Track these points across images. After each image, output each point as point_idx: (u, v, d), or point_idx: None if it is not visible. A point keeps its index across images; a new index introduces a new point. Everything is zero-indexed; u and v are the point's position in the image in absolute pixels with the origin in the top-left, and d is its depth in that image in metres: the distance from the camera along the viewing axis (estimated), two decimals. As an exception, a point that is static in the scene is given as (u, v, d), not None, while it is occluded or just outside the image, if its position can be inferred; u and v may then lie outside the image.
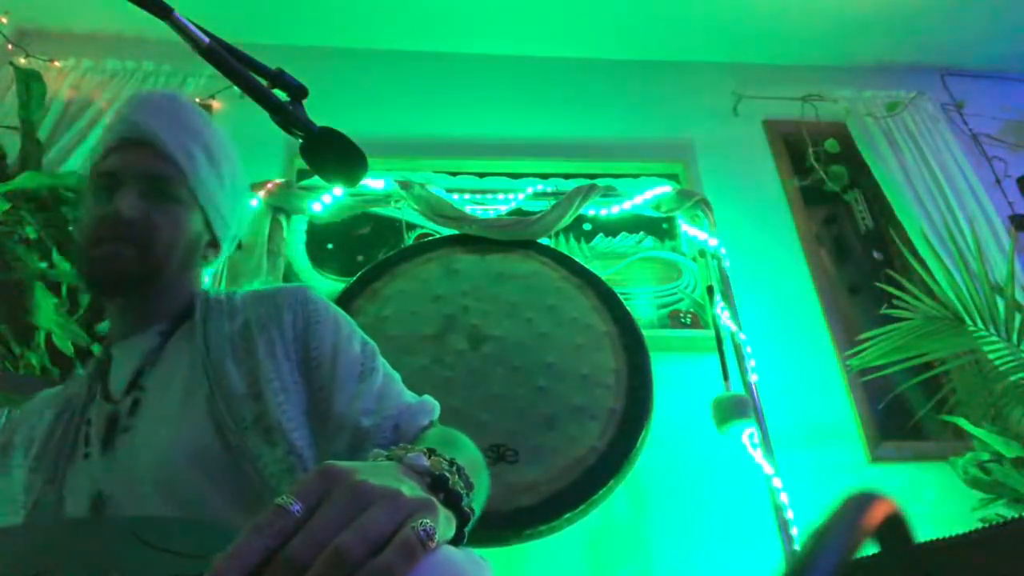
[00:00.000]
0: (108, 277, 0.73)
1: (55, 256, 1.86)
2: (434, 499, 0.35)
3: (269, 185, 2.07)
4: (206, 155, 0.79)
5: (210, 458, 0.65)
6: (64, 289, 1.89)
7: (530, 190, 2.28)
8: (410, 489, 0.34)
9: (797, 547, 1.45)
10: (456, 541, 0.38)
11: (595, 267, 2.12)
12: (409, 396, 0.74)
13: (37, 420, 0.77)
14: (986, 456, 1.77)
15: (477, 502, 0.47)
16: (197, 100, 2.45)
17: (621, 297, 2.00)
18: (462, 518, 0.39)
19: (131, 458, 0.67)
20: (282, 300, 0.78)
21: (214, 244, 0.85)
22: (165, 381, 0.73)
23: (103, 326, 1.96)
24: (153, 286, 0.76)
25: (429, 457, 0.40)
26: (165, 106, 0.79)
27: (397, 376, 0.77)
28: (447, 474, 0.39)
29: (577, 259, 2.10)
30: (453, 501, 0.38)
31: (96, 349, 1.83)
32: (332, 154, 0.72)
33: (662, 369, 1.87)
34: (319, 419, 0.70)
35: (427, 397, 0.75)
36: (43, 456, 0.73)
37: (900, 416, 2.16)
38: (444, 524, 0.35)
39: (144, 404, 0.71)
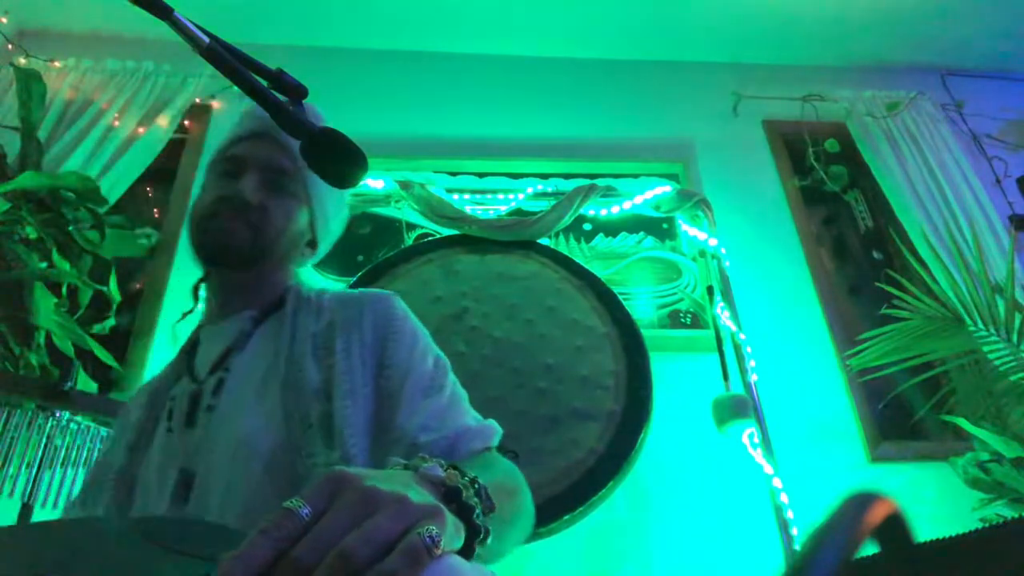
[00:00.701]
0: (219, 248, 0.78)
1: (55, 256, 1.86)
2: (442, 506, 0.35)
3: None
4: None
5: (272, 448, 0.66)
6: (64, 289, 1.89)
7: (530, 190, 2.28)
8: (418, 495, 0.34)
9: (797, 547, 1.45)
10: (466, 555, 0.38)
11: (595, 267, 2.12)
12: (471, 418, 0.73)
13: (135, 407, 0.82)
14: (986, 456, 1.77)
15: (501, 528, 0.46)
16: (197, 100, 2.46)
17: (621, 297, 2.00)
18: (474, 532, 0.38)
19: (212, 436, 0.70)
20: (366, 305, 0.79)
21: (312, 244, 0.89)
22: (249, 366, 0.75)
23: (103, 326, 1.96)
24: (255, 268, 0.81)
25: (446, 470, 0.40)
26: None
27: (464, 396, 0.77)
28: (460, 486, 0.39)
29: (577, 259, 2.10)
30: (465, 514, 0.38)
31: (97, 350, 1.83)
32: (332, 154, 0.72)
33: (662, 369, 1.87)
34: (380, 428, 0.70)
35: (490, 422, 0.74)
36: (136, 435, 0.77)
37: (900, 416, 2.16)
38: (452, 533, 0.35)
39: (227, 385, 0.73)
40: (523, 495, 0.63)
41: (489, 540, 0.40)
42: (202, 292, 0.89)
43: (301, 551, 0.29)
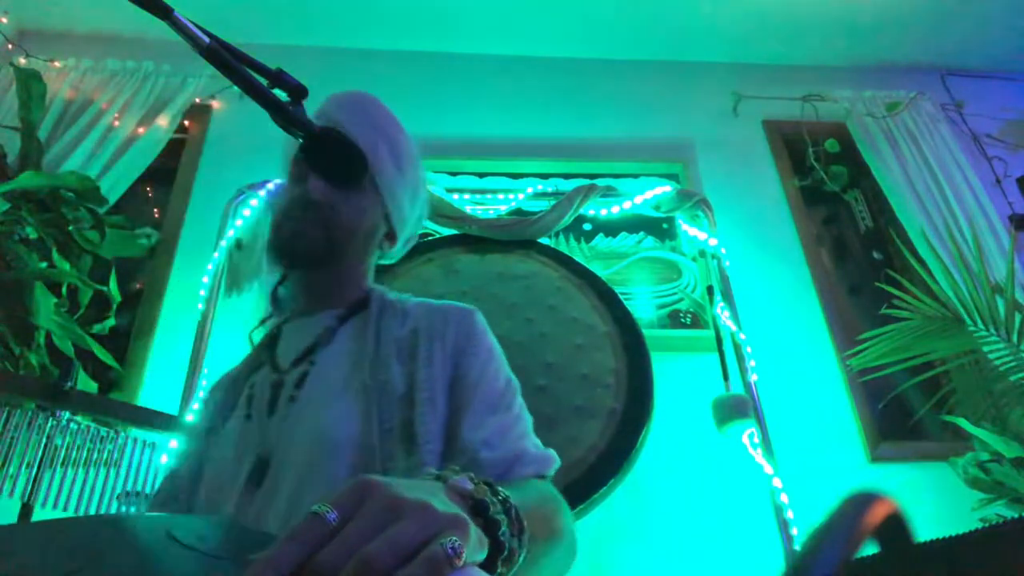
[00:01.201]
0: (293, 250, 0.80)
1: (55, 256, 1.86)
2: (466, 517, 0.35)
3: (269, 185, 2.07)
4: (390, 151, 0.84)
5: (350, 444, 0.68)
6: (64, 289, 1.89)
7: (530, 190, 2.28)
8: (443, 505, 0.35)
9: (797, 547, 1.45)
10: (489, 570, 0.38)
11: (595, 267, 2.12)
12: (531, 443, 0.74)
13: (215, 395, 0.86)
14: (986, 456, 1.77)
15: (533, 551, 0.45)
16: (197, 100, 2.46)
17: (621, 297, 1.99)
18: (498, 548, 0.38)
19: (292, 425, 0.71)
20: (451, 317, 0.81)
21: (391, 237, 0.90)
22: (334, 361, 0.76)
23: (103, 326, 1.96)
24: (334, 266, 0.83)
25: (475, 484, 0.40)
26: (356, 101, 0.87)
27: (529, 421, 0.78)
28: (488, 501, 0.39)
29: (577, 259, 2.09)
30: (490, 529, 0.38)
31: (97, 350, 1.83)
32: (332, 154, 0.72)
33: (662, 369, 1.87)
34: (448, 439, 0.71)
35: (550, 451, 0.74)
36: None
37: (900, 416, 2.16)
38: (475, 546, 0.35)
39: (310, 378, 0.75)
40: (563, 525, 0.61)
41: (518, 560, 0.40)
42: (282, 290, 0.90)
43: (326, 556, 0.30)
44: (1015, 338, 1.77)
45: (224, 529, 0.41)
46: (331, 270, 0.84)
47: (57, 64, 2.45)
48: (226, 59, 0.59)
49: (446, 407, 0.73)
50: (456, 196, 2.18)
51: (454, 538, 0.31)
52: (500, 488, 0.42)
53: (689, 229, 2.19)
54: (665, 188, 2.23)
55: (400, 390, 0.72)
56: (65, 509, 1.24)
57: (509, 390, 0.78)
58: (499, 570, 0.38)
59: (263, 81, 0.64)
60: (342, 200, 0.81)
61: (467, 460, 0.67)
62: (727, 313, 1.93)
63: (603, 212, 2.26)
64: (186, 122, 2.45)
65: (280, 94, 0.65)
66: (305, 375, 0.75)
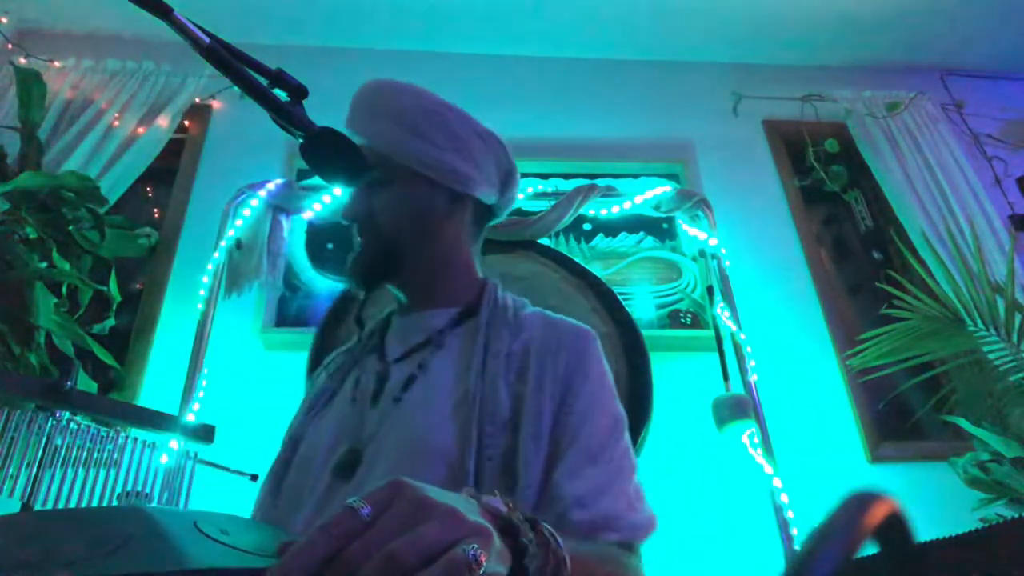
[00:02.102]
0: (353, 277, 0.79)
1: (55, 256, 1.86)
2: (491, 528, 0.35)
3: (269, 185, 2.07)
4: (402, 127, 0.79)
5: (443, 464, 0.64)
6: (64, 289, 1.89)
7: (530, 190, 2.27)
8: (471, 514, 0.35)
9: (797, 547, 1.45)
10: None
11: (595, 267, 2.12)
12: (626, 502, 0.65)
13: (324, 373, 0.85)
14: (986, 456, 1.77)
15: None
16: (197, 100, 2.46)
17: (621, 297, 1.99)
18: (522, 573, 0.38)
19: (390, 425, 0.69)
20: (565, 337, 0.75)
21: (460, 200, 0.83)
22: (442, 370, 0.73)
23: (103, 326, 1.96)
24: (405, 266, 0.80)
25: (510, 508, 0.40)
26: (364, 98, 0.84)
27: (632, 467, 0.70)
28: (517, 524, 0.38)
29: (577, 259, 2.09)
30: (516, 552, 0.37)
31: (97, 350, 1.83)
32: (332, 154, 0.72)
33: (662, 369, 1.86)
34: (543, 478, 0.65)
35: (646, 516, 0.65)
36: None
37: (900, 416, 2.16)
38: (495, 558, 0.35)
39: (418, 384, 0.72)
40: None
41: None
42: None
43: (354, 550, 0.31)
44: (1015, 338, 1.77)
45: (248, 526, 0.43)
46: (417, 269, 0.81)
47: (57, 64, 2.45)
48: (226, 59, 0.59)
49: (548, 443, 0.66)
50: (456, 196, 2.18)
51: (476, 546, 0.32)
52: (548, 527, 0.41)
53: (689, 229, 2.19)
54: (665, 188, 2.23)
55: (504, 415, 0.67)
56: (65, 509, 1.24)
57: (616, 431, 0.70)
58: None
59: (263, 81, 0.64)
60: (377, 202, 0.79)
61: (556, 516, 0.61)
62: (727, 313, 1.93)
63: (603, 212, 2.26)
64: (186, 122, 2.45)
65: (280, 94, 0.65)
66: (413, 379, 0.72)
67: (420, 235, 0.81)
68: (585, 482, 0.63)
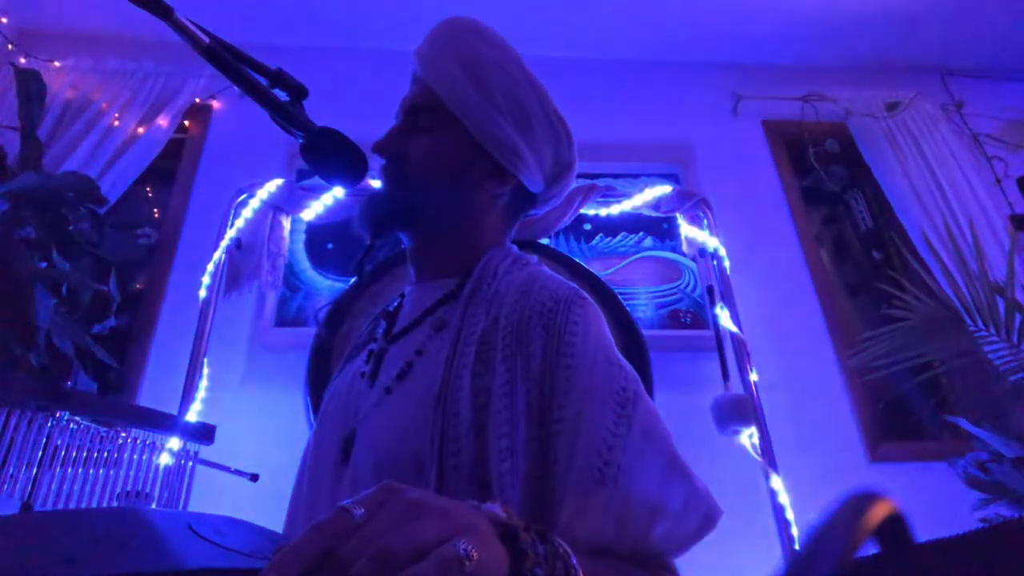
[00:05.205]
0: (363, 220, 0.74)
1: (55, 256, 1.86)
2: (486, 527, 0.35)
3: (269, 185, 2.07)
4: (469, 75, 0.71)
5: (411, 472, 0.55)
6: (64, 289, 1.89)
7: (530, 190, 2.28)
8: (463, 512, 0.35)
9: (797, 547, 1.45)
10: None
11: (595, 267, 2.12)
12: (661, 515, 0.54)
13: (345, 355, 0.82)
14: (986, 456, 1.77)
15: None
16: (197, 100, 2.46)
17: (621, 297, 1.99)
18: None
19: (378, 421, 0.62)
20: (538, 314, 0.59)
21: (501, 175, 0.73)
22: (436, 354, 0.62)
23: (103, 326, 1.96)
24: (421, 227, 0.74)
25: (509, 515, 0.38)
26: (441, 33, 0.77)
27: (661, 436, 0.56)
28: (519, 530, 0.37)
29: (577, 259, 2.10)
30: (515, 559, 0.36)
31: (97, 351, 1.83)
32: (332, 154, 0.72)
33: (662, 369, 1.87)
34: (537, 499, 0.52)
35: (693, 521, 0.57)
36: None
37: (900, 416, 2.16)
38: (490, 556, 0.34)
39: (413, 373, 0.63)
40: None
41: None
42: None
43: (346, 548, 0.31)
44: (1015, 338, 1.77)
45: (244, 529, 0.43)
46: (434, 235, 0.73)
47: (57, 64, 2.45)
48: (226, 59, 0.59)
49: (533, 464, 0.53)
50: (456, 196, 2.18)
51: (468, 543, 0.32)
52: (560, 541, 0.39)
53: (689, 229, 2.19)
54: (665, 188, 2.23)
55: (467, 418, 0.54)
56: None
57: (625, 415, 0.54)
58: None
59: (263, 81, 0.64)
60: (413, 146, 0.73)
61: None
62: (727, 313, 1.93)
63: (603, 212, 2.26)
64: (186, 122, 2.45)
65: (280, 94, 0.65)
66: (411, 366, 0.63)
67: (447, 199, 0.72)
68: (599, 517, 0.50)
